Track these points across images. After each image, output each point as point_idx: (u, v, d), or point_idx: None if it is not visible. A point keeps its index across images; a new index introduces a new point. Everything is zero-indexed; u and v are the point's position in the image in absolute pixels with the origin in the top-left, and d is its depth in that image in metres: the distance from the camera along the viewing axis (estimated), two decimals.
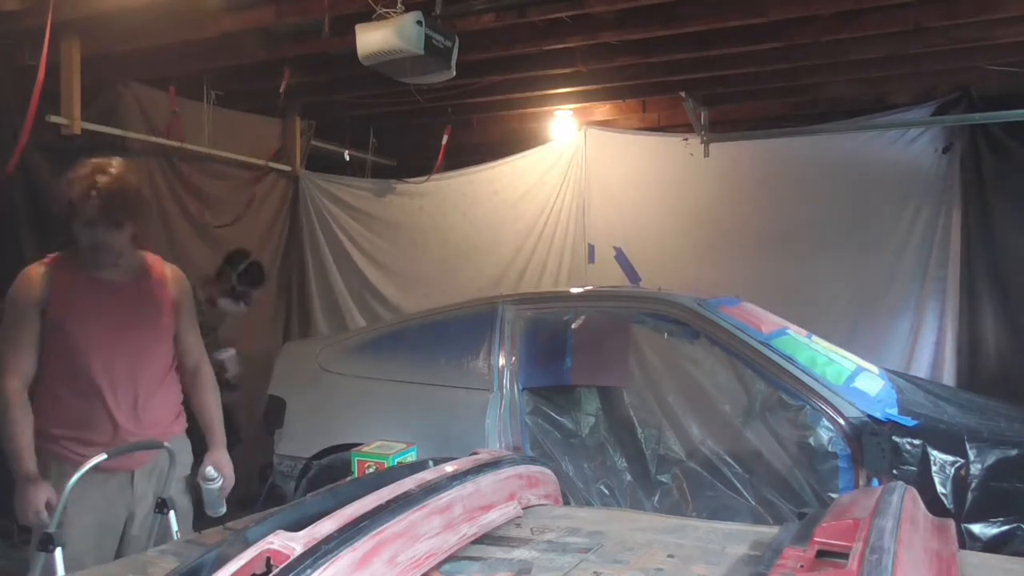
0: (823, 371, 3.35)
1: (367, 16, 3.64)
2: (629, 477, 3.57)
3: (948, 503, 2.89)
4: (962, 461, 2.94)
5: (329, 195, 6.68)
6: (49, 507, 2.40)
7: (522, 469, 1.92)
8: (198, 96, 5.52)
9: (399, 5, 3.59)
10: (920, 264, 5.45)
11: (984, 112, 5.16)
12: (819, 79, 5.38)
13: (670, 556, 1.51)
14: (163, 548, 1.74)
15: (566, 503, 2.15)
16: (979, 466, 2.92)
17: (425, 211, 6.72)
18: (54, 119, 4.54)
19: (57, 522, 2.30)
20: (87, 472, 2.34)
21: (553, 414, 3.71)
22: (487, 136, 6.87)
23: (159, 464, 2.71)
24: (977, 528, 2.86)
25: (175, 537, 2.50)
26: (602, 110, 6.37)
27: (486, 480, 1.71)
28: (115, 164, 2.61)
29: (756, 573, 1.29)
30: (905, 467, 2.98)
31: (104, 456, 2.39)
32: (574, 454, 3.65)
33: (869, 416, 3.10)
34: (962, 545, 1.85)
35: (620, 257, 6.10)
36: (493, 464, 1.81)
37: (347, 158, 6.95)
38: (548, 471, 2.07)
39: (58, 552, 2.23)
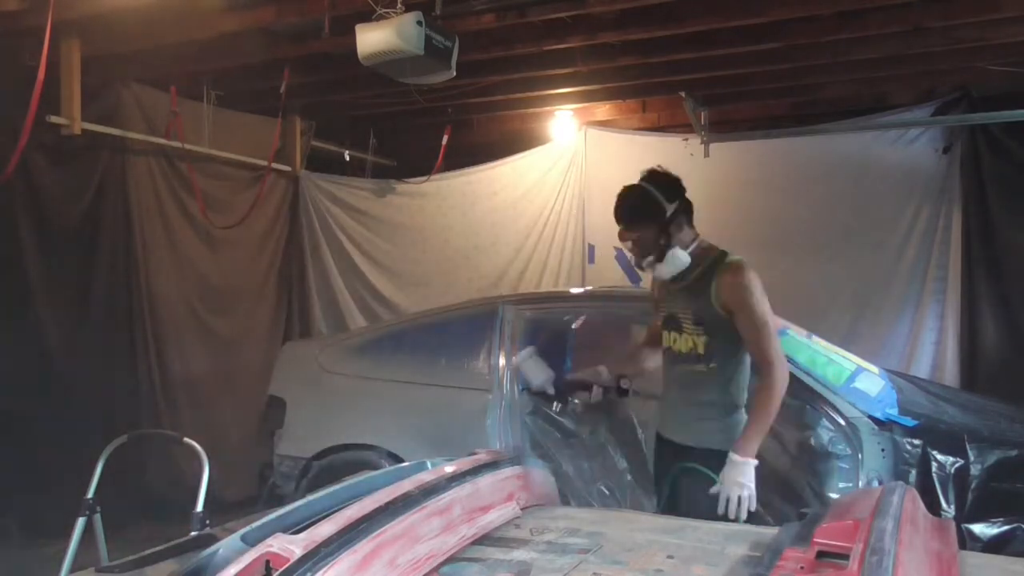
0: (823, 371, 3.34)
1: (367, 16, 3.64)
2: (629, 477, 3.57)
3: (948, 503, 2.89)
4: (962, 461, 2.93)
5: (329, 195, 6.68)
6: None
7: (520, 469, 1.92)
8: (198, 96, 5.51)
9: (399, 5, 3.58)
10: (920, 264, 5.44)
11: (984, 112, 5.15)
12: (819, 79, 5.38)
13: (670, 557, 1.50)
14: (160, 550, 1.74)
15: (566, 503, 2.14)
16: (979, 466, 2.91)
17: (425, 211, 6.71)
18: (54, 119, 4.54)
19: (94, 489, 2.58)
20: None
21: (553, 414, 3.71)
22: (487, 136, 6.87)
23: None
24: (977, 528, 2.85)
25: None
26: (602, 110, 6.37)
27: (484, 481, 1.71)
28: None
29: (756, 574, 1.29)
30: (905, 467, 2.98)
31: (124, 438, 2.74)
32: (574, 454, 3.65)
33: (869, 416, 3.10)
34: (962, 545, 1.85)
35: (620, 257, 6.09)
36: (491, 465, 1.81)
37: (347, 158, 6.94)
38: (546, 471, 2.07)
39: (97, 517, 2.55)
